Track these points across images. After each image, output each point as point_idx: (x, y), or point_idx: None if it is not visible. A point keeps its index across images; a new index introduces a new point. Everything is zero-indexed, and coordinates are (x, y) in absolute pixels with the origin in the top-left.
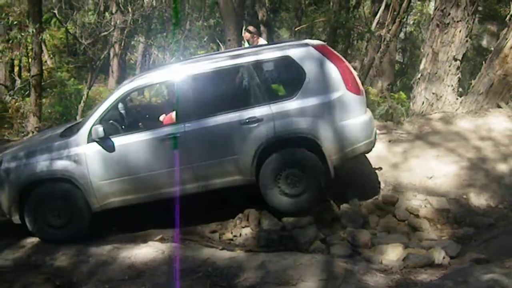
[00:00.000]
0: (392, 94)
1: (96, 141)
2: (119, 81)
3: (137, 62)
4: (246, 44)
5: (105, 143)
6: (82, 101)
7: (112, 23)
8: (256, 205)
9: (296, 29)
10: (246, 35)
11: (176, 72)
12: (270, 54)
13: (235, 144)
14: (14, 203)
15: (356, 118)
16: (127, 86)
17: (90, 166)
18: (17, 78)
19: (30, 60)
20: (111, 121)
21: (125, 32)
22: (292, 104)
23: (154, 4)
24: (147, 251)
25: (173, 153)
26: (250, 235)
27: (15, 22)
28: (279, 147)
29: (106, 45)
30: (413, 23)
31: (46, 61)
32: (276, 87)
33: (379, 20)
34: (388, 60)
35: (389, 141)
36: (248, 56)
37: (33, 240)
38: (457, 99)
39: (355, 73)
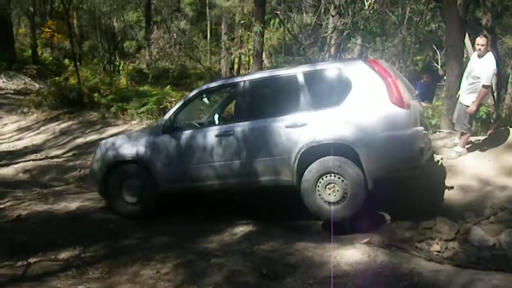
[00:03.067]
0: None
1: (167, 132)
2: None
3: None
4: (470, 51)
5: (174, 134)
6: None
7: (332, 25)
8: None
9: None
10: (483, 40)
11: (242, 78)
12: (321, 66)
13: (279, 145)
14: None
15: (397, 131)
16: (199, 88)
17: (159, 153)
18: (236, 75)
19: (248, 58)
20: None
21: (344, 34)
22: (335, 113)
23: (376, 7)
24: (352, 253)
25: (225, 148)
26: (459, 249)
27: (241, 22)
28: (321, 153)
29: (323, 46)
30: None
31: (263, 60)
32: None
33: None
34: None
35: None
36: (302, 67)
37: (244, 229)
38: None
39: (403, 88)
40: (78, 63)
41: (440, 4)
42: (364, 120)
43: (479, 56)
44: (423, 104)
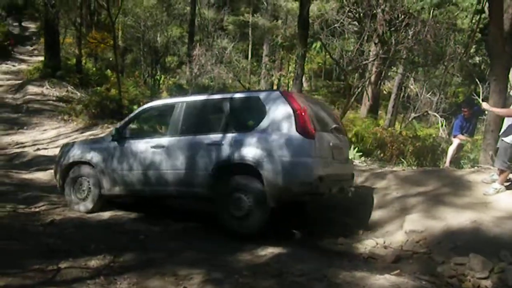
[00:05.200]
0: None
1: (115, 140)
2: (372, 110)
3: (392, 93)
4: None
5: (120, 142)
6: None
7: (373, 52)
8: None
9: None
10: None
11: (179, 99)
12: (244, 94)
13: (199, 160)
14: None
15: (298, 158)
16: (145, 105)
17: (106, 158)
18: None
19: (288, 80)
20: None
21: (387, 62)
22: (248, 136)
23: (419, 37)
24: (382, 283)
25: (157, 159)
26: None
27: (284, 44)
28: (233, 171)
29: (364, 73)
30: None
31: (302, 83)
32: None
33: None
34: None
35: None
36: (227, 94)
37: (274, 250)
38: None
39: (311, 119)
40: (120, 75)
41: (485, 37)
42: (270, 145)
43: None
44: (463, 137)
